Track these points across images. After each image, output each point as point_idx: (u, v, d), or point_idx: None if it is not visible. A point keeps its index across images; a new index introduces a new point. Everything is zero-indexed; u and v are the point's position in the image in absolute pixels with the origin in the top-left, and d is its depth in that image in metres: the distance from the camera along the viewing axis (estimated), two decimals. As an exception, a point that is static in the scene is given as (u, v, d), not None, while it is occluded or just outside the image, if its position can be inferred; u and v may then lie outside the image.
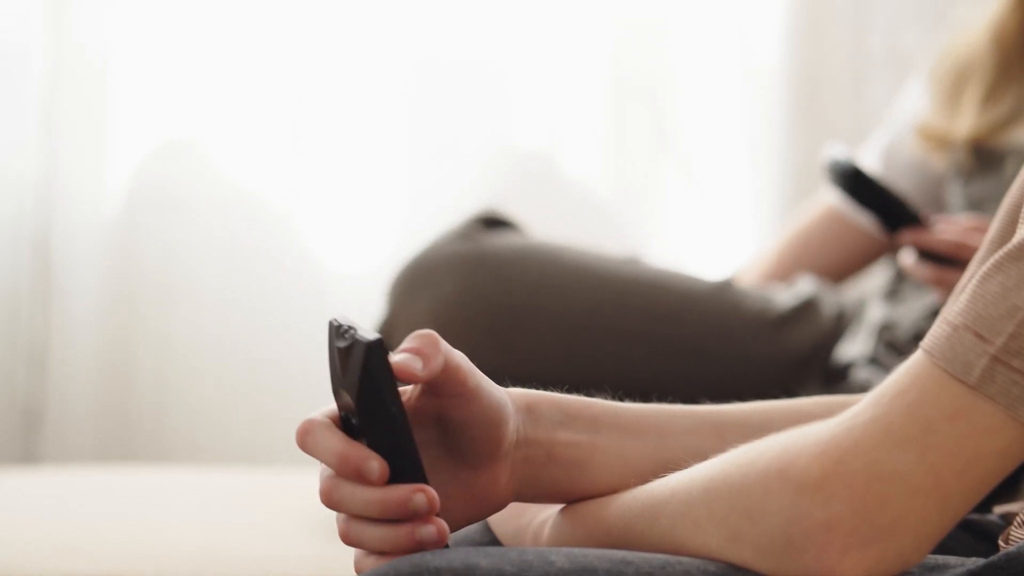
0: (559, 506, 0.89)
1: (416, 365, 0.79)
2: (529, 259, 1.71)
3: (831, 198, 1.95)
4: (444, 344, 0.80)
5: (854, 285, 2.16)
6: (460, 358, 0.81)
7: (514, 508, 0.93)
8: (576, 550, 0.76)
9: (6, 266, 2.43)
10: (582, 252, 1.76)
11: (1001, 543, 0.86)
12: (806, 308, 1.78)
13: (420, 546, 0.78)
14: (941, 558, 0.79)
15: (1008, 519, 0.92)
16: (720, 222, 2.54)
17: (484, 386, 0.82)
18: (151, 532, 1.52)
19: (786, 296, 1.80)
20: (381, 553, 0.79)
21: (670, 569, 0.75)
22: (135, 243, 2.45)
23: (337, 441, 0.78)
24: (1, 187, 2.42)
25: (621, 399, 0.90)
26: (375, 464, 0.78)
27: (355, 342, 0.77)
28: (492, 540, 0.94)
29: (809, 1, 2.52)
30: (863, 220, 1.91)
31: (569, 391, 0.89)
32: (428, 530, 0.78)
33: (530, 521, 0.91)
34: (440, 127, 2.50)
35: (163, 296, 2.46)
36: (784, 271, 1.97)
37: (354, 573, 0.82)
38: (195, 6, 2.44)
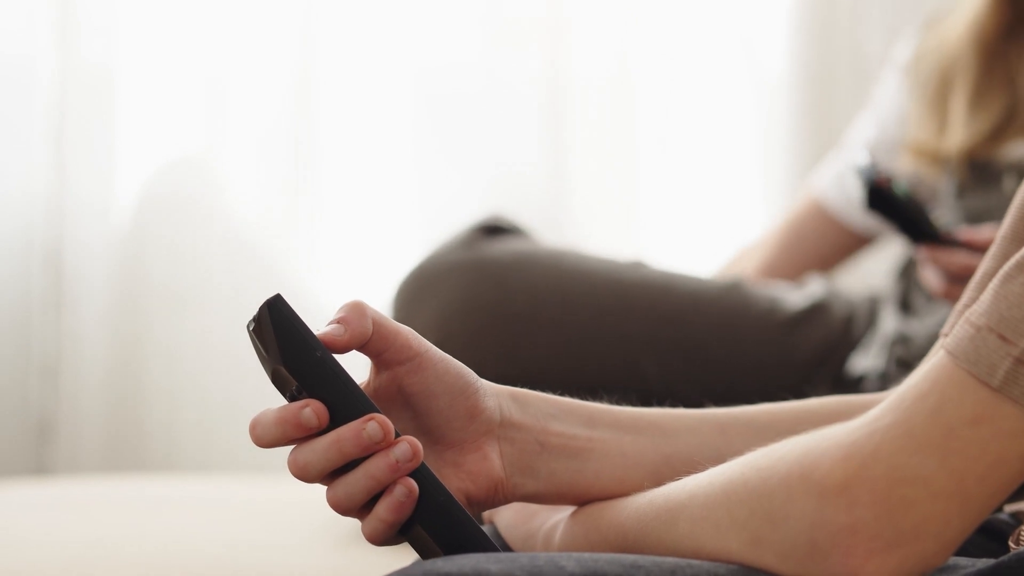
0: (570, 510, 0.89)
1: (338, 330, 0.81)
2: (532, 266, 1.70)
3: (817, 191, 1.97)
4: (374, 311, 0.82)
5: (861, 283, 2.15)
6: (400, 326, 0.83)
7: (524, 513, 0.93)
8: (586, 555, 0.76)
9: (17, 280, 2.43)
10: (585, 257, 1.74)
11: (1011, 544, 0.86)
12: (815, 310, 1.77)
13: (399, 467, 0.79)
14: (951, 558, 0.79)
15: (1019, 518, 0.92)
16: (729, 228, 2.54)
17: (436, 353, 0.84)
18: (162, 542, 1.52)
19: (795, 298, 1.79)
20: (370, 496, 0.80)
21: (680, 573, 0.75)
22: (144, 256, 2.45)
23: (273, 412, 0.80)
24: (11, 201, 2.42)
25: (623, 403, 0.90)
26: (308, 410, 0.79)
27: (258, 311, 0.80)
28: (503, 546, 0.94)
29: (815, 8, 2.52)
30: (858, 221, 1.92)
31: (575, 396, 0.90)
32: (401, 448, 0.79)
33: (541, 526, 0.91)
34: (443, 136, 2.50)
35: (172, 308, 2.46)
36: (777, 264, 1.97)
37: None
38: (203, 22, 2.45)
